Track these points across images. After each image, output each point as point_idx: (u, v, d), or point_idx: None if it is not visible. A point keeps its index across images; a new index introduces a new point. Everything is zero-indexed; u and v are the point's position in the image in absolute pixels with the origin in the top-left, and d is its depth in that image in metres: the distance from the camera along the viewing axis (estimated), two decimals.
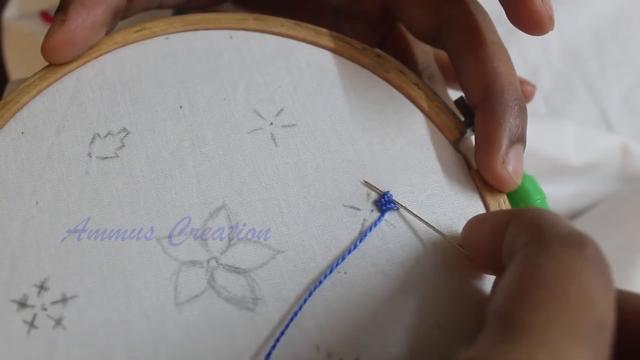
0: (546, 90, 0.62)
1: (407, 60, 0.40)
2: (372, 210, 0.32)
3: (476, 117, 0.33)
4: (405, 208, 0.31)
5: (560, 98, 0.62)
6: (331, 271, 0.30)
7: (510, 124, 0.32)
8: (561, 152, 0.54)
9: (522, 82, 0.42)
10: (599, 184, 0.56)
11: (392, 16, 0.38)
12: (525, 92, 0.42)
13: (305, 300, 0.29)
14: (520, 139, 0.32)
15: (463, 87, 0.34)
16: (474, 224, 0.29)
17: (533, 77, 0.62)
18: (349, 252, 0.31)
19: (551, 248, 0.23)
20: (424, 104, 0.34)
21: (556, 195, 0.54)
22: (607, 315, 0.22)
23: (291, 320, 0.29)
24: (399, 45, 0.40)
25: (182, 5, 0.39)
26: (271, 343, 0.29)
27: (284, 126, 0.33)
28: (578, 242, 0.23)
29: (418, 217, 0.31)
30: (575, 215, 0.55)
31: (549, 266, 0.22)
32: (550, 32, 0.31)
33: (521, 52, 0.63)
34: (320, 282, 0.30)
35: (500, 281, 0.24)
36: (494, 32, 0.34)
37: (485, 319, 0.23)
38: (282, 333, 0.29)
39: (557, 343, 0.21)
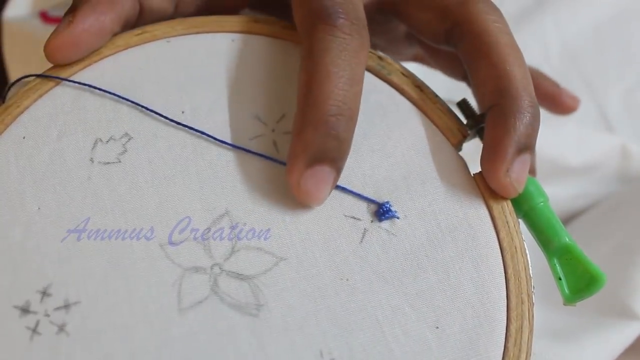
0: None
1: None
2: (371, 221, 0.32)
3: (486, 121, 0.32)
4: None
5: None
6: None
7: (520, 132, 0.31)
8: (560, 153, 0.54)
9: (564, 94, 0.42)
10: (599, 185, 0.56)
11: (395, 18, 0.37)
12: (564, 104, 0.42)
13: None
14: (528, 148, 0.32)
15: (475, 91, 0.34)
16: None
17: None
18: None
19: None
20: (426, 107, 0.34)
21: (555, 196, 0.54)
22: None
23: None
24: None
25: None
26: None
27: (286, 133, 0.33)
28: None
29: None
30: (575, 215, 0.55)
31: None
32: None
33: None
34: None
35: None
36: (508, 33, 0.33)
37: None
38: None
39: None
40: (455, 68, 0.41)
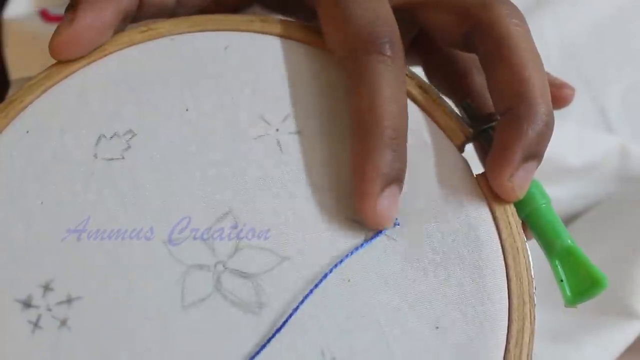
0: None
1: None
2: None
3: (498, 125, 0.32)
4: None
5: None
6: (329, 272, 0.30)
7: (531, 138, 0.31)
8: (560, 153, 0.54)
9: (561, 85, 0.40)
10: (599, 185, 0.56)
11: (415, 24, 0.36)
12: (565, 96, 0.41)
13: (302, 301, 0.30)
14: (536, 156, 0.32)
15: (491, 94, 0.33)
16: None
17: None
18: (347, 256, 0.31)
19: None
20: (430, 108, 0.34)
21: (555, 196, 0.54)
22: None
23: (284, 322, 0.29)
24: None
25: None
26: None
27: (290, 133, 0.33)
28: None
29: None
30: (575, 216, 0.55)
31: None
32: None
33: None
34: (316, 285, 0.30)
35: None
36: (529, 39, 0.32)
37: None
38: (273, 336, 0.29)
39: None
40: (449, 84, 0.40)
